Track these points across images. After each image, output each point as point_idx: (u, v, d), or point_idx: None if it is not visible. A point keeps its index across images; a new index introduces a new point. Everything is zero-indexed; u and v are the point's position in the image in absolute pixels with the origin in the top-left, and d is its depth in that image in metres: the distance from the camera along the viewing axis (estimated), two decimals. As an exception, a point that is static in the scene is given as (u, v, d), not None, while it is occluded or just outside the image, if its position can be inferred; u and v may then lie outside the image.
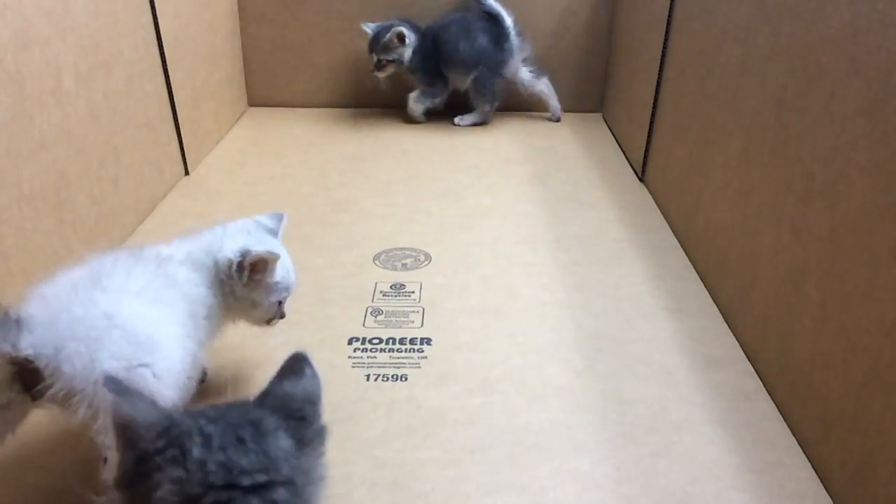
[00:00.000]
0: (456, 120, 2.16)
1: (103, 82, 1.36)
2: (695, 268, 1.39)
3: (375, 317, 1.23)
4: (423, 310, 1.25)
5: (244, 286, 0.93)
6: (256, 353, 1.12)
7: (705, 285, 1.33)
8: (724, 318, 1.23)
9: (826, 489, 0.89)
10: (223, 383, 1.06)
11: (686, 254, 1.44)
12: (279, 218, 1.03)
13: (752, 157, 1.15)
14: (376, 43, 2.03)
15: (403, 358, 1.12)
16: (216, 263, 0.91)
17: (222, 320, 0.96)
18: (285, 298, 1.00)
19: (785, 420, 1.00)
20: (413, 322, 1.21)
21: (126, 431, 0.46)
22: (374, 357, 1.12)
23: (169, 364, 0.79)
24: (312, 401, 0.54)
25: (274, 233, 1.01)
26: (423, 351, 1.14)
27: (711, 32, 1.36)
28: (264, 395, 0.55)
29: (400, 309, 1.25)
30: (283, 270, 0.97)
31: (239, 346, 1.14)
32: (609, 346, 1.16)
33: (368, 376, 1.08)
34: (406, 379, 1.07)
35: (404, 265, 1.38)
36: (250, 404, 0.54)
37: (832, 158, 0.92)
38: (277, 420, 0.51)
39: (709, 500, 0.88)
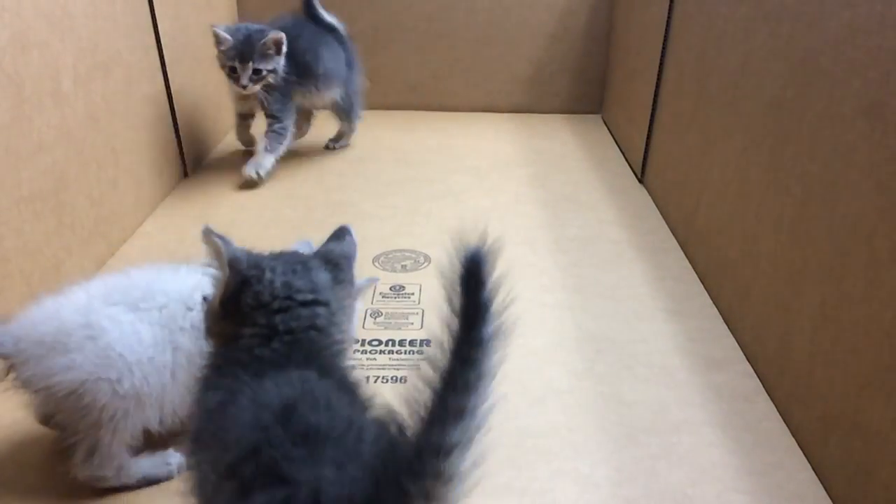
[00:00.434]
0: (330, 144, 1.96)
1: (102, 84, 1.36)
2: (694, 269, 1.38)
3: (375, 318, 1.22)
4: (423, 311, 1.24)
5: None
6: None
7: (705, 286, 1.33)
8: (723, 319, 1.23)
9: (826, 490, 0.89)
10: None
11: (685, 255, 1.44)
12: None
13: (752, 158, 1.15)
14: (250, 48, 1.60)
15: (403, 360, 1.12)
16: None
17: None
18: None
19: (785, 421, 1.00)
20: (413, 324, 1.21)
21: (234, 263, 0.67)
22: (374, 359, 1.12)
23: (137, 385, 0.81)
24: (347, 256, 0.75)
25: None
26: (423, 353, 1.14)
27: (711, 33, 1.36)
28: (316, 251, 0.77)
29: (399, 311, 1.25)
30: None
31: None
32: (609, 348, 1.16)
33: (368, 378, 1.08)
34: (406, 380, 1.07)
35: (404, 267, 1.38)
36: (302, 254, 0.74)
37: (832, 159, 0.92)
38: (320, 263, 0.72)
39: (709, 501, 0.88)
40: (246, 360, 0.63)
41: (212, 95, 1.92)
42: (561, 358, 1.14)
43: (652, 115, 1.70)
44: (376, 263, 1.40)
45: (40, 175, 1.16)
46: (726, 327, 1.21)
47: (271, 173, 1.74)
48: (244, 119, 1.84)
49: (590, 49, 2.22)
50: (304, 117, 1.92)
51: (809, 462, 0.93)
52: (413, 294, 1.30)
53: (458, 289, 0.51)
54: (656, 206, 1.65)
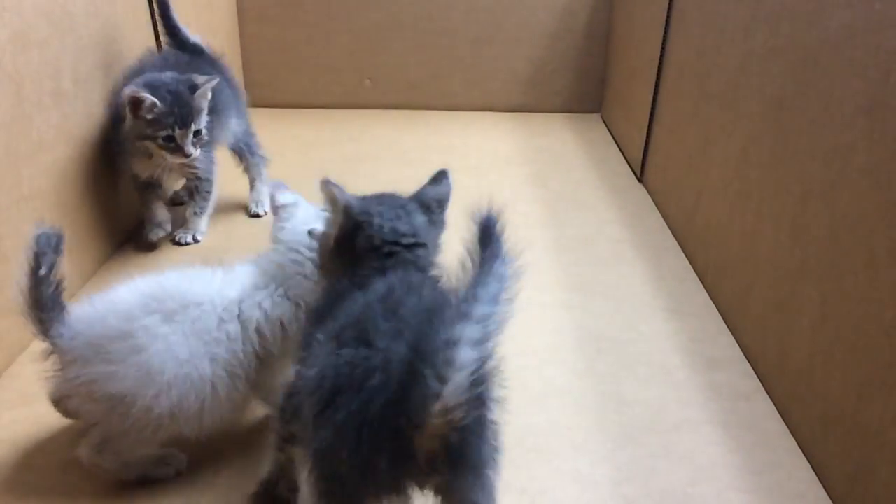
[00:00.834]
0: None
1: (102, 83, 1.36)
2: (694, 268, 1.39)
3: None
4: (423, 310, 1.24)
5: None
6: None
7: (704, 286, 1.33)
8: (723, 318, 1.23)
9: (826, 489, 0.89)
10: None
11: (685, 254, 1.44)
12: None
13: (752, 158, 1.15)
14: (187, 108, 1.29)
15: (403, 359, 1.12)
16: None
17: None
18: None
19: (784, 420, 1.00)
20: (412, 323, 1.21)
21: (347, 209, 0.77)
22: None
23: (174, 402, 0.82)
24: (440, 199, 0.84)
25: None
26: (422, 352, 1.14)
27: (710, 33, 1.36)
28: (414, 193, 0.85)
29: (399, 310, 1.25)
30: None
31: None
32: (608, 347, 1.16)
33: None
34: (406, 380, 1.07)
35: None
36: (400, 196, 0.84)
37: (832, 158, 0.92)
38: (416, 205, 0.82)
39: (708, 500, 0.88)
40: (360, 286, 0.73)
41: (212, 94, 1.92)
42: (561, 357, 1.14)
43: (651, 115, 1.70)
44: (376, 263, 1.40)
45: (40, 174, 1.16)
46: (726, 327, 1.21)
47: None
48: (151, 189, 1.44)
49: (589, 48, 2.22)
50: None
51: (809, 461, 0.93)
52: (413, 293, 1.29)
53: (476, 242, 0.62)
54: (656, 205, 1.65)
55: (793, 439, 0.97)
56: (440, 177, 0.87)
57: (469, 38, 2.21)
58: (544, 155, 1.95)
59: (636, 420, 1.00)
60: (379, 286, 0.70)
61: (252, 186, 1.62)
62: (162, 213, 1.46)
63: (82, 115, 1.29)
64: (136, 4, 1.51)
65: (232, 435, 0.96)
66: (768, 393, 1.05)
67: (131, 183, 1.43)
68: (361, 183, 1.93)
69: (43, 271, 0.80)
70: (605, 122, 2.21)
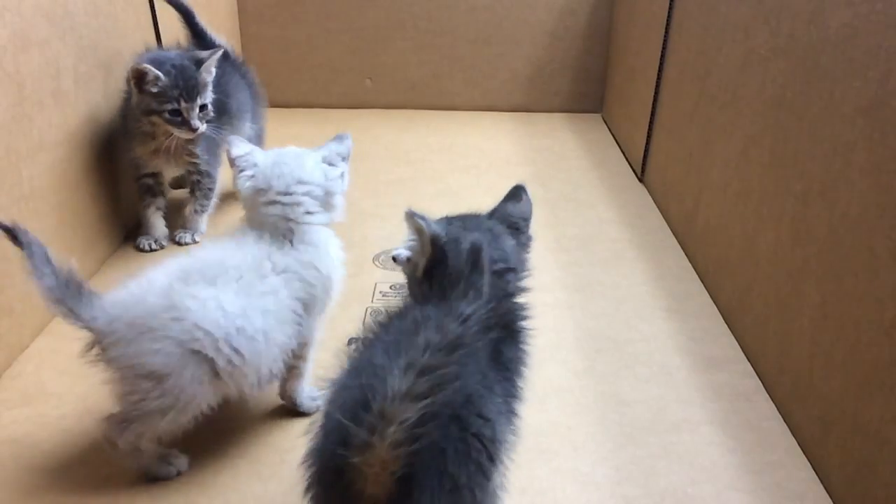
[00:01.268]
0: None
1: (103, 83, 1.36)
2: (694, 268, 1.38)
3: (376, 318, 1.22)
4: (423, 310, 1.24)
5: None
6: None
7: (705, 285, 1.33)
8: (723, 318, 1.23)
9: (826, 489, 0.89)
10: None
11: (685, 254, 1.44)
12: None
13: (752, 158, 1.15)
14: (192, 81, 1.29)
15: (403, 358, 1.12)
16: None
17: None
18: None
19: (785, 420, 1.00)
20: (413, 323, 1.21)
21: (435, 240, 0.75)
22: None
23: (233, 361, 0.85)
24: (525, 217, 0.83)
25: None
26: (422, 351, 1.14)
27: (711, 32, 1.36)
28: (494, 211, 0.84)
29: (400, 309, 1.25)
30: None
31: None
32: (609, 347, 1.16)
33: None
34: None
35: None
36: (484, 217, 0.82)
37: (832, 158, 0.92)
38: (503, 228, 0.79)
39: (708, 500, 0.88)
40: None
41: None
42: (561, 357, 1.14)
43: (652, 114, 1.70)
44: (376, 262, 1.40)
45: (41, 174, 1.16)
46: (726, 326, 1.21)
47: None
48: (151, 190, 1.42)
49: (590, 48, 2.22)
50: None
51: (809, 461, 0.93)
52: (413, 293, 1.30)
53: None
54: (656, 205, 1.65)
55: (793, 439, 0.97)
56: (518, 192, 0.85)
57: (469, 38, 2.21)
58: (544, 155, 1.95)
59: (636, 420, 1.00)
60: (409, 318, 0.67)
61: None
62: (160, 227, 1.44)
63: (83, 115, 1.29)
64: (136, 4, 1.51)
65: (232, 435, 0.96)
66: (768, 393, 1.05)
67: (132, 179, 1.42)
68: (361, 182, 1.94)
69: (38, 268, 0.81)
70: (605, 122, 2.21)
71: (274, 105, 2.24)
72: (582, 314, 1.24)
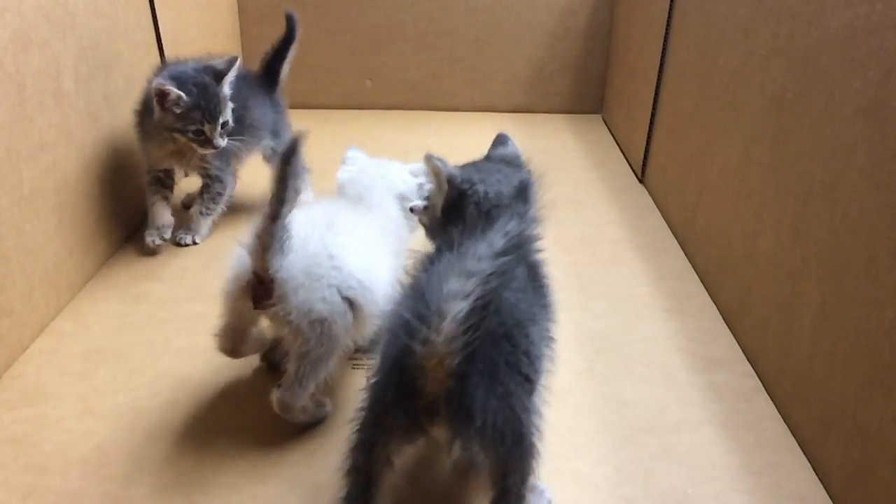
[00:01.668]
0: None
1: (103, 83, 1.36)
2: (694, 269, 1.39)
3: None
4: (423, 311, 1.24)
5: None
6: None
7: (705, 286, 1.33)
8: (723, 319, 1.23)
9: (826, 490, 0.89)
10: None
11: (686, 255, 1.44)
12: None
13: (752, 158, 1.15)
14: (214, 99, 1.29)
15: (403, 359, 1.12)
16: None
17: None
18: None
19: (785, 421, 1.00)
20: (413, 323, 1.21)
21: (451, 180, 0.84)
22: (375, 358, 1.12)
23: (373, 306, 0.93)
24: (518, 156, 0.91)
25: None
26: (422, 352, 1.14)
27: (711, 33, 1.36)
28: (488, 157, 0.92)
29: (400, 310, 1.25)
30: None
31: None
32: (609, 348, 1.16)
33: (369, 378, 1.08)
34: (406, 380, 1.07)
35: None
36: (484, 161, 0.91)
37: (832, 159, 0.92)
38: (511, 169, 0.86)
39: (709, 501, 0.88)
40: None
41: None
42: (561, 357, 1.13)
43: (652, 115, 1.70)
44: (377, 263, 1.40)
45: (41, 174, 1.16)
46: (726, 327, 1.21)
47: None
48: (160, 186, 1.43)
49: (590, 49, 2.22)
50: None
51: (809, 461, 0.93)
52: (413, 293, 1.30)
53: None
54: (656, 205, 1.65)
55: (793, 439, 0.97)
56: (503, 139, 0.95)
57: (469, 38, 2.21)
58: (545, 155, 1.95)
59: (636, 421, 1.00)
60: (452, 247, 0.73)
61: None
62: (166, 215, 1.43)
63: (83, 116, 1.29)
64: (137, 4, 1.51)
65: (233, 435, 0.96)
66: (768, 393, 1.05)
67: (144, 171, 1.42)
68: (362, 183, 1.90)
69: (284, 211, 0.84)
70: (605, 123, 2.21)
71: (274, 105, 2.25)
72: (582, 315, 1.24)
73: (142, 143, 1.39)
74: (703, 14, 1.41)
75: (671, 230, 1.53)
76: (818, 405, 0.92)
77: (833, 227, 0.91)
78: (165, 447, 0.94)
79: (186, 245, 1.46)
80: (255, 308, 0.90)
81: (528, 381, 0.72)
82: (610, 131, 2.15)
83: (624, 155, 1.96)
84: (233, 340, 0.97)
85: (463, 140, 2.05)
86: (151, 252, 1.41)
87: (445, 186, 0.85)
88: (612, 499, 0.88)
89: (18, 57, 1.09)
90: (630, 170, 1.86)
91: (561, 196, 1.70)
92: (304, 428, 0.97)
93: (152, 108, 1.30)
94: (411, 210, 0.97)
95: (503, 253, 0.66)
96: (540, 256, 0.84)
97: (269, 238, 0.84)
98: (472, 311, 0.64)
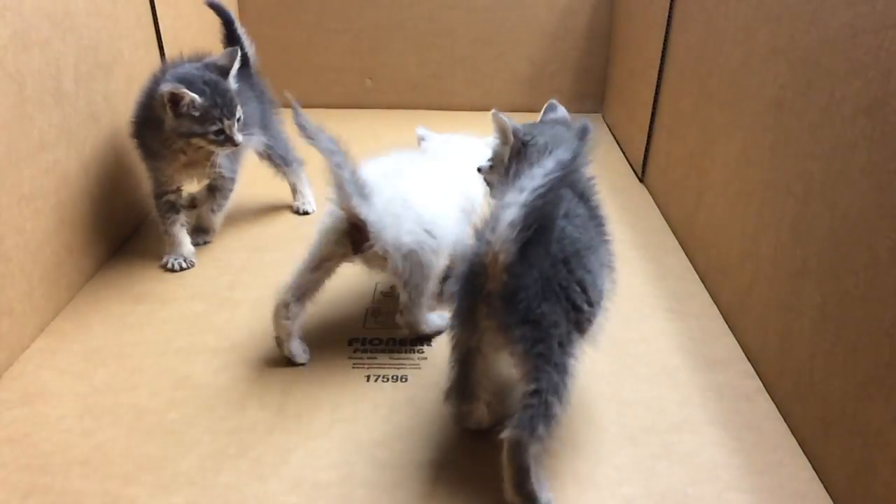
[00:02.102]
0: (296, 206, 1.62)
1: (103, 83, 1.36)
2: (695, 268, 1.38)
3: (376, 318, 1.22)
4: (423, 310, 1.25)
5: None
6: (260, 356, 1.12)
7: (705, 286, 1.33)
8: (724, 318, 1.23)
9: (826, 489, 0.89)
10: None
11: (686, 254, 1.44)
12: None
13: (752, 158, 1.15)
14: (229, 96, 1.27)
15: (404, 359, 1.12)
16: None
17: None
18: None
19: (785, 421, 1.00)
20: (413, 323, 1.21)
21: (515, 133, 0.98)
22: (375, 358, 1.12)
23: (443, 242, 1.09)
24: (567, 118, 1.06)
25: None
26: (423, 352, 1.14)
27: (711, 33, 1.36)
28: (541, 122, 1.07)
29: (400, 309, 1.25)
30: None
31: (238, 346, 1.14)
32: (608, 347, 1.16)
33: (369, 377, 1.08)
34: (406, 380, 1.07)
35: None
36: (539, 124, 1.05)
37: (832, 158, 0.92)
38: (564, 128, 0.99)
39: (709, 500, 0.88)
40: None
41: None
42: (561, 357, 1.14)
43: (652, 115, 1.70)
44: (377, 262, 1.40)
45: (41, 174, 1.16)
46: (727, 327, 1.21)
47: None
48: (173, 207, 1.38)
49: (590, 48, 2.22)
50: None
51: (810, 461, 0.93)
52: (413, 293, 1.30)
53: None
54: (657, 205, 1.65)
55: (794, 439, 0.97)
56: (553, 107, 1.10)
57: (469, 38, 2.21)
58: (545, 155, 1.95)
59: (636, 420, 1.00)
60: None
61: (294, 190, 1.62)
62: (187, 244, 1.39)
63: (84, 115, 1.29)
64: (137, 4, 1.51)
65: (233, 435, 0.96)
66: (769, 393, 1.05)
67: (153, 197, 1.36)
68: (362, 183, 1.90)
69: (346, 166, 1.01)
70: (605, 123, 2.21)
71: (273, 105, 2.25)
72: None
73: (150, 163, 1.33)
74: (703, 14, 1.41)
75: (672, 230, 1.53)
76: (818, 405, 0.92)
77: (833, 227, 0.91)
78: (165, 447, 0.94)
79: (205, 244, 1.46)
80: (356, 253, 1.06)
81: (574, 308, 0.82)
82: (610, 131, 2.14)
83: (624, 154, 1.96)
84: (300, 292, 1.08)
85: (463, 140, 2.05)
86: (169, 270, 1.37)
87: (511, 139, 0.98)
88: (612, 499, 0.88)
89: (18, 57, 1.09)
90: (630, 169, 1.86)
91: (561, 196, 1.70)
92: (432, 336, 1.16)
93: (155, 121, 1.25)
94: (479, 170, 1.10)
95: (553, 172, 0.77)
96: (597, 199, 0.97)
97: (348, 188, 0.99)
98: (524, 216, 0.76)
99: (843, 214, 0.89)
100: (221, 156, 1.33)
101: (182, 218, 1.40)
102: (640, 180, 1.79)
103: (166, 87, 1.20)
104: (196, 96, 1.22)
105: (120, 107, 1.42)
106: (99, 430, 0.97)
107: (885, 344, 0.79)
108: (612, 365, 1.11)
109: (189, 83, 1.22)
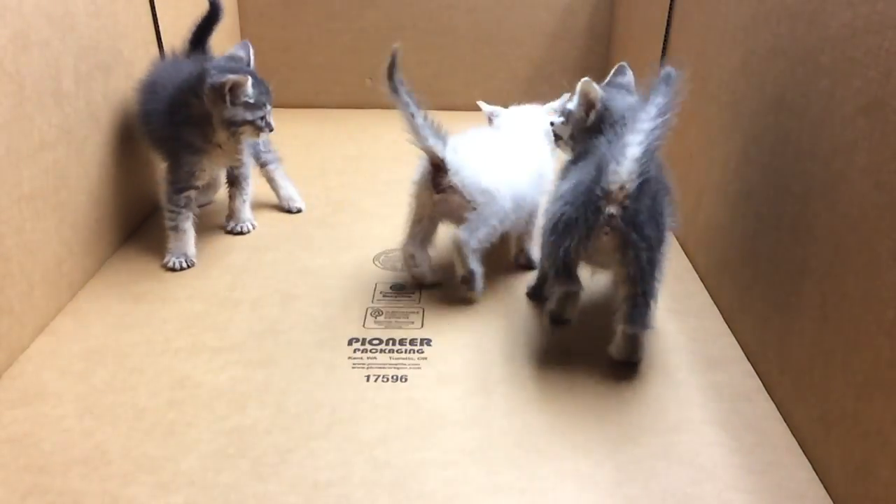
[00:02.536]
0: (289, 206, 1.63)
1: (103, 83, 1.36)
2: (695, 268, 1.38)
3: (375, 317, 1.23)
4: (423, 310, 1.25)
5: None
6: (260, 356, 1.12)
7: (705, 285, 1.33)
8: (724, 318, 1.23)
9: (826, 490, 0.89)
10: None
11: (686, 254, 1.44)
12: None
13: (752, 158, 1.15)
14: (264, 83, 1.35)
15: (403, 359, 1.12)
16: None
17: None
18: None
19: (785, 420, 1.00)
20: (413, 323, 1.21)
21: (602, 100, 1.13)
22: (374, 358, 1.12)
23: (516, 196, 1.23)
24: (632, 83, 1.20)
25: None
26: (423, 352, 1.14)
27: (711, 33, 1.36)
28: (609, 83, 1.21)
29: (400, 310, 1.25)
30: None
31: (239, 346, 1.14)
32: (609, 347, 1.16)
33: (368, 377, 1.08)
34: (406, 380, 1.07)
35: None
36: (620, 88, 1.19)
37: (832, 158, 0.92)
38: (635, 97, 1.15)
39: (709, 500, 0.88)
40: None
41: (212, 94, 1.92)
42: (561, 357, 1.14)
43: (652, 115, 1.70)
44: (376, 262, 1.40)
45: (41, 174, 1.16)
46: (726, 326, 1.21)
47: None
48: (190, 204, 1.40)
49: (590, 48, 2.22)
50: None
51: (810, 461, 0.93)
52: (413, 293, 1.30)
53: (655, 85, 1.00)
54: (657, 205, 1.65)
55: (793, 439, 0.97)
56: (622, 70, 1.22)
57: (469, 38, 2.21)
58: (545, 155, 1.95)
59: (636, 420, 1.00)
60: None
61: (276, 187, 1.62)
62: (191, 244, 1.39)
63: (84, 115, 1.29)
64: (137, 4, 1.51)
65: (232, 435, 0.96)
66: (769, 393, 1.05)
67: (173, 193, 1.36)
68: (361, 182, 1.94)
69: (419, 113, 1.23)
70: (605, 123, 2.21)
71: (274, 105, 2.24)
72: (582, 315, 1.24)
73: (185, 158, 1.34)
74: (703, 14, 1.41)
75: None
76: (818, 405, 0.92)
77: (833, 226, 0.91)
78: (165, 447, 0.94)
79: (246, 232, 1.51)
80: (437, 193, 1.20)
81: (660, 232, 1.01)
82: (610, 131, 2.14)
83: (624, 154, 1.95)
84: (417, 242, 1.26)
85: (463, 140, 2.05)
86: (171, 270, 1.37)
87: (596, 103, 1.12)
88: (613, 498, 0.88)
89: (18, 57, 1.09)
90: (630, 169, 1.86)
91: (561, 196, 1.70)
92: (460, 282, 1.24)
93: (197, 117, 1.30)
94: (552, 124, 1.22)
95: (657, 116, 0.96)
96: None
97: (423, 131, 1.19)
98: (643, 152, 0.96)
99: (843, 214, 0.89)
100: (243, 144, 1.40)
101: (193, 218, 1.40)
102: (640, 180, 1.79)
103: (227, 78, 1.26)
104: (249, 87, 1.29)
105: (120, 107, 1.42)
106: (99, 430, 0.97)
107: (885, 344, 0.79)
108: (612, 365, 1.11)
109: (233, 72, 1.28)
